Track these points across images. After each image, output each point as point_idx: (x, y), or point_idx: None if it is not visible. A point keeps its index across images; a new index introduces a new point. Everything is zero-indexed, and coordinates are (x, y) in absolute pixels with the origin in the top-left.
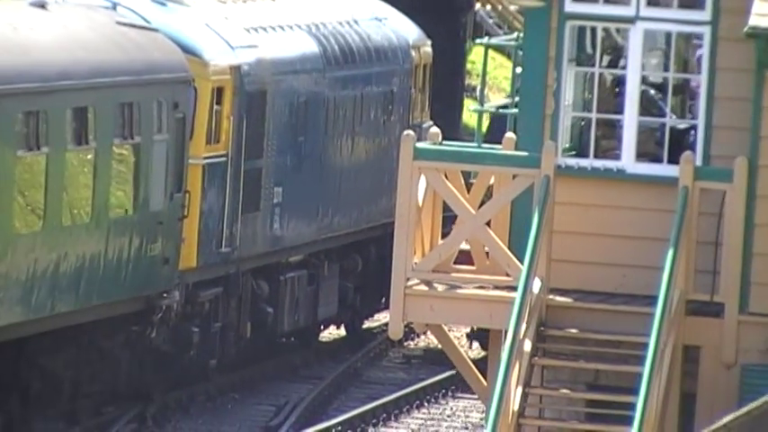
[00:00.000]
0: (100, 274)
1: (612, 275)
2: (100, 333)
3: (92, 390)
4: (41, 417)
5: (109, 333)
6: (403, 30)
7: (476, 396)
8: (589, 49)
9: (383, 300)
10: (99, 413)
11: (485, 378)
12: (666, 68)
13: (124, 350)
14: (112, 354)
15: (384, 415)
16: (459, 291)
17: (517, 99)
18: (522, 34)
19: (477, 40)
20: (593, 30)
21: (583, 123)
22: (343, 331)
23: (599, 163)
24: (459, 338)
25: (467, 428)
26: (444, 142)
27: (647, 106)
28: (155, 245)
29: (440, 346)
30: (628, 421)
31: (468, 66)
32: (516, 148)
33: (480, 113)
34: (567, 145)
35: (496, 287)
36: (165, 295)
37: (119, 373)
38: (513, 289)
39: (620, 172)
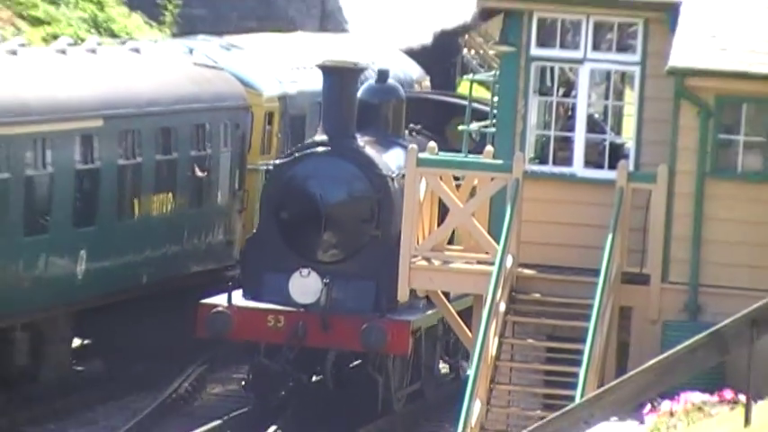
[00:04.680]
0: (180, 254)
1: (567, 253)
2: (179, 300)
3: (173, 344)
4: (132, 369)
5: (186, 300)
6: (409, 69)
7: None
8: (548, 83)
9: None
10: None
11: (470, 331)
12: (607, 97)
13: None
14: (189, 315)
15: None
16: (451, 265)
17: (495, 121)
18: (498, 72)
19: (465, 76)
20: (552, 68)
21: (544, 139)
22: None
23: (556, 169)
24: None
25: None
26: (440, 153)
27: (592, 126)
28: (220, 230)
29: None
30: (578, 363)
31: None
32: (493, 158)
33: (467, 132)
34: (532, 155)
35: (479, 262)
36: (228, 269)
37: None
38: (492, 264)
39: (572, 176)
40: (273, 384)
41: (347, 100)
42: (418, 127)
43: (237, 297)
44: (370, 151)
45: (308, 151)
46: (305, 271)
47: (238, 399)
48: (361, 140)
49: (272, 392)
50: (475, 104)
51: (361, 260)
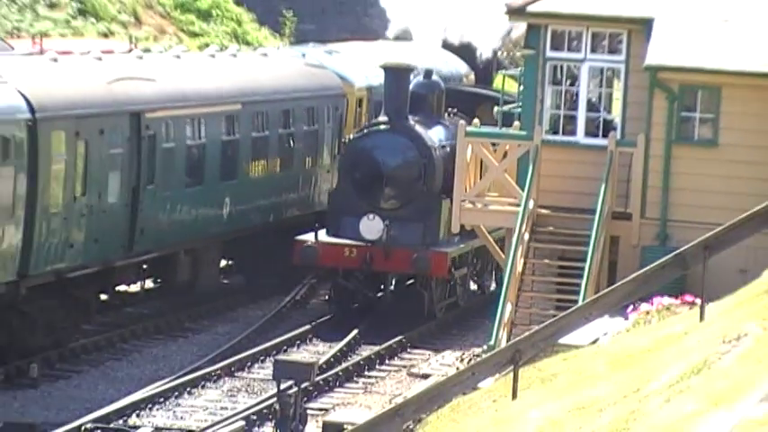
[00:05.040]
0: (296, 199)
1: (572, 198)
2: (296, 233)
3: (291, 265)
4: (263, 283)
5: (300, 233)
6: (459, 66)
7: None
8: (559, 76)
9: None
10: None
11: (503, 253)
12: (601, 86)
13: None
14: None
15: None
16: (489, 207)
17: (520, 104)
18: (523, 68)
19: (499, 71)
20: (562, 65)
21: (556, 116)
22: None
23: (565, 138)
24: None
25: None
26: (481, 127)
27: (590, 107)
28: (325, 183)
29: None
30: (580, 277)
31: (494, 86)
32: (519, 130)
33: (500, 112)
34: (548, 128)
35: (510, 204)
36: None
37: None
38: (519, 205)
39: (576, 143)
40: (349, 299)
41: (402, 91)
42: (454, 110)
43: (322, 234)
44: (419, 129)
45: (374, 128)
46: (371, 215)
47: (323, 309)
48: (412, 121)
49: (347, 305)
50: (497, 95)
51: (411, 208)
